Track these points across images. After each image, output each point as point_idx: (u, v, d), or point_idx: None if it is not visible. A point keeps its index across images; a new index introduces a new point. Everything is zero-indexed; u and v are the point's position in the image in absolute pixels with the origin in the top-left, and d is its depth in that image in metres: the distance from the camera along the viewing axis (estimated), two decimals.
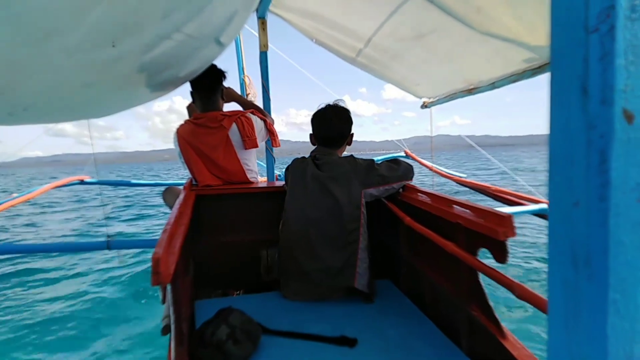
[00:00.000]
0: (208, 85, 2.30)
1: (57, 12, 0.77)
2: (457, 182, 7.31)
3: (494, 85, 2.56)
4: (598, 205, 0.32)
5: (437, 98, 3.55)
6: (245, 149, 2.32)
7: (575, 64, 0.33)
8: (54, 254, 4.84)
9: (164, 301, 1.03)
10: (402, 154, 8.53)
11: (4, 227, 7.01)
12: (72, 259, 4.79)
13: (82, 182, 6.84)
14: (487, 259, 1.20)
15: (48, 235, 6.80)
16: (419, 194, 1.72)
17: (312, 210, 1.74)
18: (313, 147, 1.95)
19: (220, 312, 1.38)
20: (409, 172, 1.87)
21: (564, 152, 0.35)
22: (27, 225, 7.57)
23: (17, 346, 2.84)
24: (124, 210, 8.87)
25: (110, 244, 3.64)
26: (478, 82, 2.67)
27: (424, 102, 3.86)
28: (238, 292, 2.13)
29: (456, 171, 7.94)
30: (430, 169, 7.01)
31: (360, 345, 1.39)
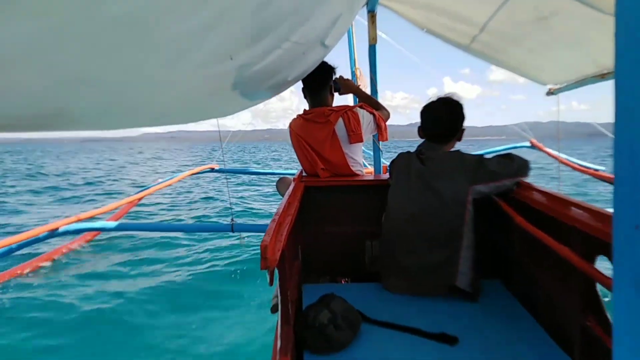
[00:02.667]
0: (316, 83, 2.43)
1: (187, 36, 0.92)
2: (594, 177, 6.43)
3: None
4: None
5: (565, 84, 3.21)
6: (350, 143, 2.39)
7: (638, 79, 0.32)
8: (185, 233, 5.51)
9: (271, 283, 1.15)
10: (527, 143, 7.80)
11: (148, 208, 8.15)
12: (200, 238, 5.41)
13: (212, 170, 7.69)
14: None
15: (181, 216, 7.75)
16: (534, 192, 1.61)
17: (413, 206, 1.75)
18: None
19: (324, 298, 1.47)
20: (524, 168, 1.74)
21: (628, 174, 0.34)
22: (164, 205, 8.71)
23: (143, 309, 3.35)
24: (247, 196, 9.69)
25: (234, 227, 4.08)
26: (612, 67, 2.35)
27: (550, 89, 3.52)
28: (346, 280, 2.22)
29: (592, 164, 7.02)
30: (561, 161, 6.29)
31: (461, 344, 1.36)
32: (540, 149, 7.35)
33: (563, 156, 6.39)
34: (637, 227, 0.33)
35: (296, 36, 1.27)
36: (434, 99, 1.87)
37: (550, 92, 3.54)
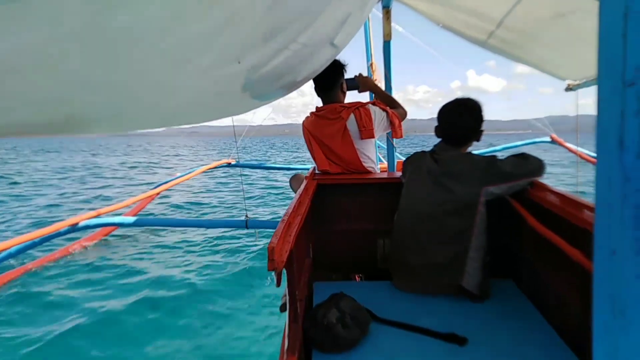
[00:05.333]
0: (327, 81, 2.43)
1: (194, 41, 0.94)
2: None
3: None
4: (633, 257, 0.32)
5: (584, 80, 3.13)
6: (361, 138, 2.39)
7: (614, 116, 0.32)
8: (201, 228, 5.57)
9: (278, 284, 1.15)
10: (547, 139, 7.64)
11: (164, 203, 8.24)
12: (215, 234, 5.47)
13: (228, 165, 7.76)
14: None
15: (196, 211, 7.84)
16: (547, 192, 1.59)
17: (424, 205, 1.74)
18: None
19: (333, 297, 1.48)
20: (539, 168, 1.71)
21: (605, 200, 0.34)
22: (180, 200, 8.81)
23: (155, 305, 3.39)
24: (262, 191, 9.73)
25: (248, 223, 4.11)
26: None
27: (569, 85, 3.44)
28: (360, 276, 2.22)
29: None
30: (580, 156, 6.18)
31: (470, 345, 1.36)
32: (560, 144, 7.23)
33: (584, 151, 6.27)
34: (614, 252, 0.33)
35: (304, 37, 1.27)
36: (452, 100, 1.83)
37: (569, 88, 3.46)
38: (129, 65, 0.88)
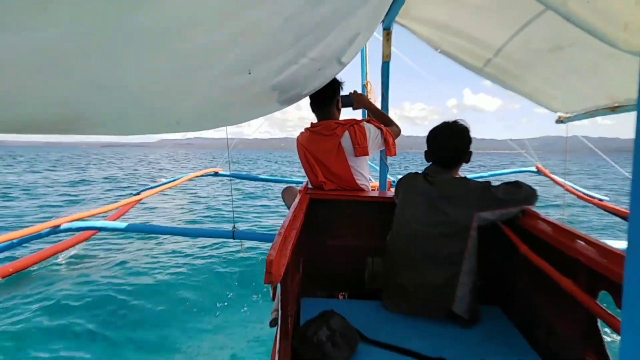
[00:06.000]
0: (323, 98, 2.43)
1: (209, 49, 0.93)
2: (598, 207, 6.36)
3: None
4: None
5: (575, 114, 3.22)
6: (356, 156, 2.39)
7: None
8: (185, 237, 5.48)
9: (273, 298, 1.14)
10: (533, 168, 7.74)
11: (148, 209, 8.09)
12: (200, 243, 5.38)
13: (216, 174, 7.68)
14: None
15: (181, 219, 7.71)
16: (540, 221, 1.60)
17: (418, 227, 1.74)
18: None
19: (323, 314, 1.46)
20: (531, 197, 1.73)
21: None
22: (165, 207, 8.66)
23: (141, 320, 3.30)
24: (249, 202, 9.66)
25: (235, 234, 4.05)
26: (625, 100, 2.36)
27: (559, 117, 3.53)
28: (343, 295, 2.20)
29: (598, 193, 6.94)
30: (565, 188, 6.26)
31: None
32: (545, 175, 7.29)
33: (568, 184, 6.35)
34: None
35: (313, 53, 1.28)
36: (441, 123, 1.86)
37: (559, 121, 3.55)
38: (142, 68, 0.87)
